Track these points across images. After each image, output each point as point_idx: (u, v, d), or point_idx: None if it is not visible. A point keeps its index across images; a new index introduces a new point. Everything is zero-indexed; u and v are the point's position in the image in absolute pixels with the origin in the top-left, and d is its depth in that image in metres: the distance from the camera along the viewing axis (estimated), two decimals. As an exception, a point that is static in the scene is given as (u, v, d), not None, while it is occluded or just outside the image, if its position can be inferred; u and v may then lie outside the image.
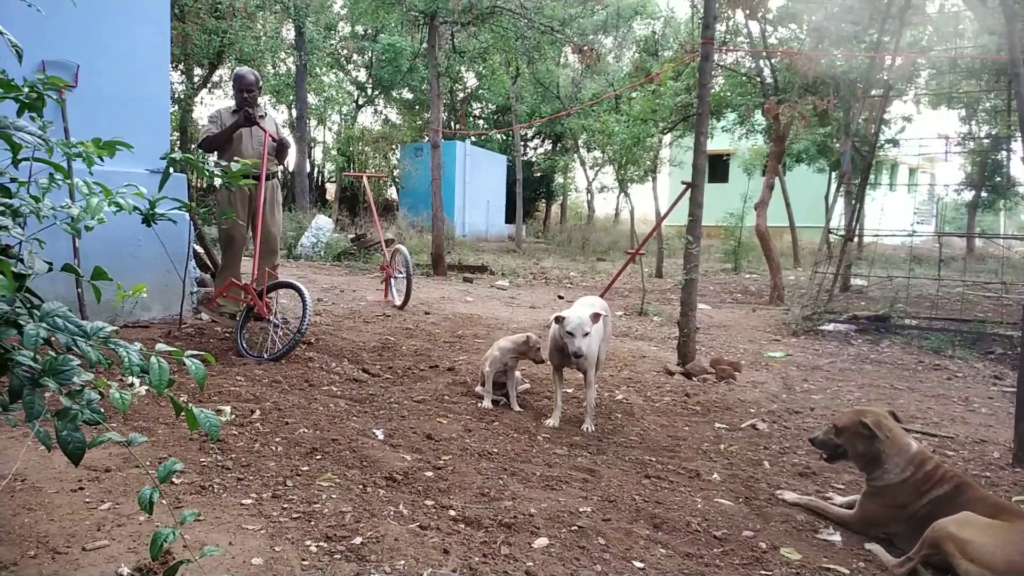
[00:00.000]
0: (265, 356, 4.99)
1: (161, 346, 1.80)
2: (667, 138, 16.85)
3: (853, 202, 10.67)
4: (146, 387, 3.77)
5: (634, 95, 14.73)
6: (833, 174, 16.96)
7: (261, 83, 6.26)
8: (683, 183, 6.12)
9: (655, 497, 3.21)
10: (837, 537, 2.94)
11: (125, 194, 2.09)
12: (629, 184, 16.82)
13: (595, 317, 4.10)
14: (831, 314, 8.82)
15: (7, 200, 1.95)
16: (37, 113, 2.03)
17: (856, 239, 13.34)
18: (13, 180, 1.98)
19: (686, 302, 5.89)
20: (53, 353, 1.85)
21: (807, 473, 3.71)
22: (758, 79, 11.84)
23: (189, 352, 1.79)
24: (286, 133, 6.32)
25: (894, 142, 16.80)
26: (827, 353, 7.10)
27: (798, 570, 2.62)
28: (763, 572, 2.59)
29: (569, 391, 4.94)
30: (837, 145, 14.30)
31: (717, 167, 25.57)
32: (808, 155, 17.78)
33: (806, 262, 16.13)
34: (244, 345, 5.11)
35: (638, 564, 2.57)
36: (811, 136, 15.16)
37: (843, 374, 6.18)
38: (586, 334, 4.03)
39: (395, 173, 24.51)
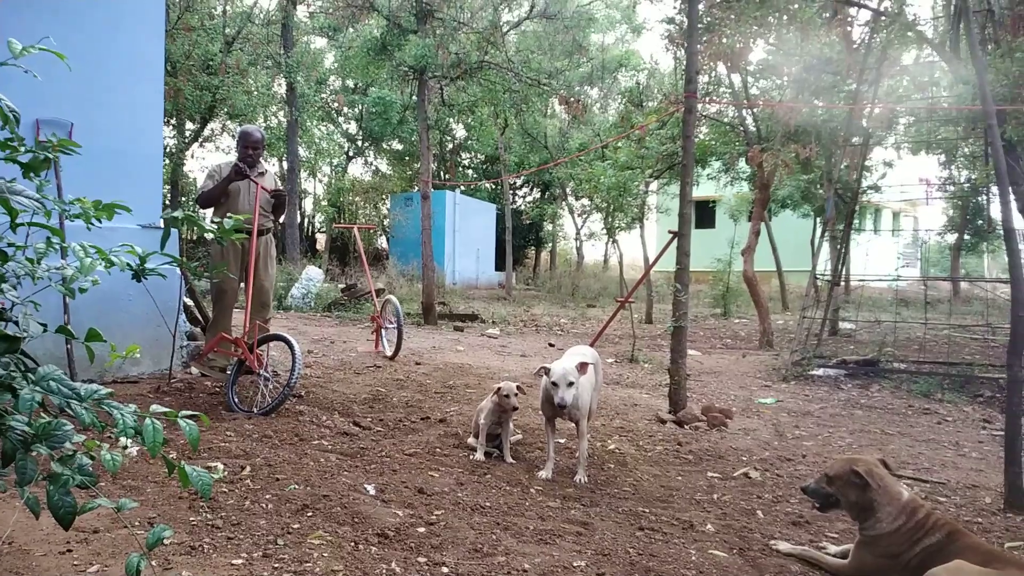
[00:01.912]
0: (255, 411, 4.97)
1: (156, 407, 1.81)
2: (653, 185, 17.11)
3: (839, 247, 10.82)
4: (137, 447, 3.75)
5: (620, 145, 14.99)
6: (818, 219, 17.20)
7: (266, 141, 6.37)
8: (670, 232, 6.21)
9: (649, 550, 3.19)
10: (832, 588, 2.93)
11: (119, 252, 2.12)
12: (617, 231, 17.01)
13: (582, 367, 4.12)
14: (820, 359, 8.87)
15: (2, 266, 1.98)
16: (36, 174, 2.07)
17: (843, 283, 13.48)
18: (11, 245, 2.01)
19: (676, 349, 5.92)
20: (45, 415, 1.86)
21: (800, 522, 3.70)
22: (741, 128, 12.11)
23: (184, 413, 1.81)
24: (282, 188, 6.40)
25: (876, 188, 17.10)
26: (817, 398, 7.12)
27: (794, 623, 2.61)
28: (759, 626, 2.57)
29: (561, 441, 4.92)
30: (820, 191, 14.54)
31: (704, 213, 25.90)
32: (792, 201, 18.05)
33: (794, 306, 16.25)
34: (235, 400, 5.09)
35: (633, 619, 2.54)
36: (795, 182, 15.42)
37: (834, 420, 6.20)
38: (570, 384, 4.05)
39: (385, 223, 24.67)
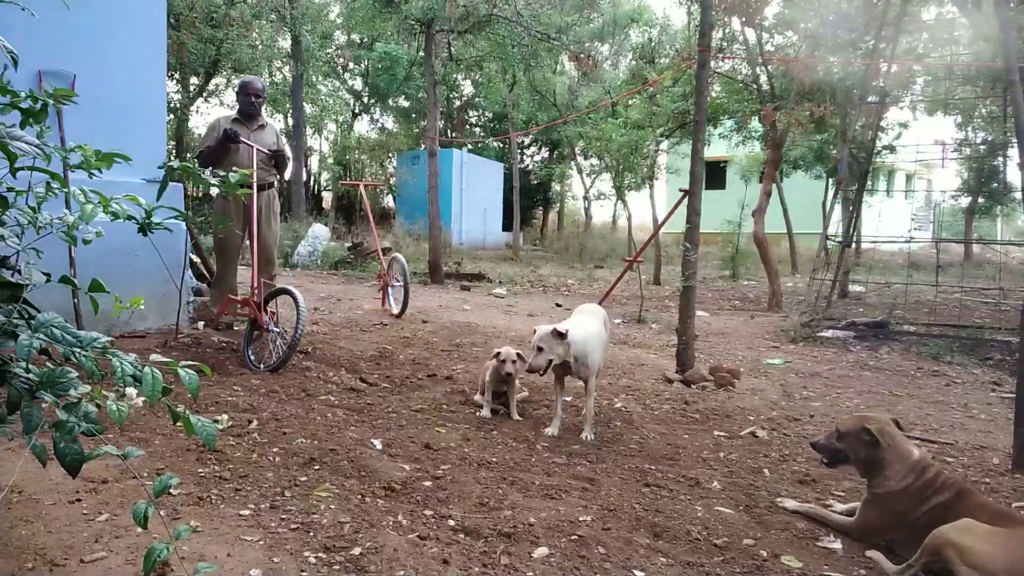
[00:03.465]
0: (262, 367, 4.97)
1: (155, 357, 1.79)
2: (664, 145, 16.90)
3: (851, 208, 10.69)
4: (143, 398, 3.75)
5: (631, 102, 14.77)
6: (830, 180, 17.02)
7: (266, 92, 6.30)
8: (680, 190, 6.12)
9: (655, 506, 3.20)
10: (838, 545, 2.92)
11: (121, 201, 2.08)
12: (626, 191, 16.85)
13: (556, 333, 4.08)
14: (829, 321, 8.82)
15: (3, 211, 1.95)
16: (36, 122, 2.02)
17: (854, 245, 13.36)
18: (11, 190, 1.97)
19: (684, 309, 5.88)
20: (50, 364, 1.84)
21: (807, 480, 3.69)
22: (755, 86, 11.89)
23: (183, 363, 1.78)
24: (285, 142, 6.32)
25: (891, 148, 16.86)
26: (826, 360, 7.10)
27: (799, 579, 2.61)
28: (764, 581, 2.58)
29: (568, 399, 4.92)
30: (834, 152, 14.35)
31: (714, 174, 25.63)
32: (805, 161, 17.84)
33: (804, 269, 16.15)
34: (251, 358, 5.09)
35: (638, 573, 2.55)
36: (808, 143, 15.23)
37: (842, 381, 6.18)
38: (540, 349, 4.07)
39: (392, 181, 24.53)
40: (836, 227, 11.72)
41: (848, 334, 8.24)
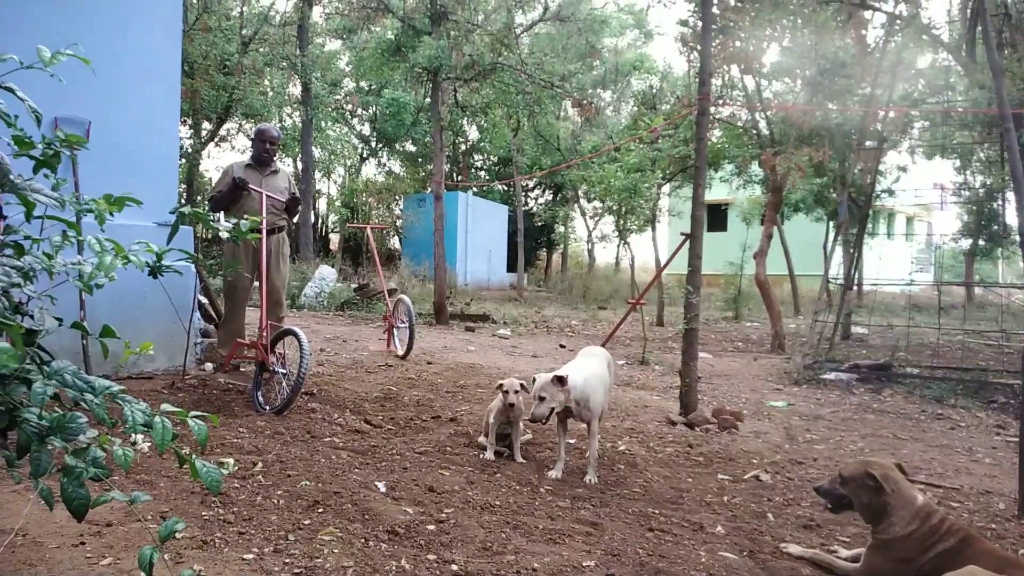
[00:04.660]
0: (267, 408, 4.99)
1: (166, 406, 1.83)
2: (666, 188, 17.07)
3: (851, 251, 10.76)
4: (148, 443, 3.77)
5: (632, 147, 14.97)
6: (831, 223, 17.12)
7: (281, 140, 6.46)
8: (682, 234, 6.20)
9: (659, 551, 3.19)
10: (843, 591, 2.91)
11: (137, 251, 2.14)
12: (629, 234, 16.97)
13: (557, 380, 4.10)
14: (832, 363, 8.82)
15: (18, 261, 2.00)
16: (51, 170, 2.09)
17: (855, 287, 13.40)
18: (27, 238, 2.03)
19: (687, 352, 5.90)
20: (60, 409, 1.87)
21: (811, 526, 3.68)
22: (754, 131, 12.06)
23: (193, 413, 1.82)
24: (295, 186, 6.45)
25: (890, 192, 16.99)
26: (829, 402, 7.08)
27: (804, 626, 2.59)
28: (769, 628, 2.56)
29: (572, 441, 4.92)
30: (834, 195, 14.47)
31: (716, 216, 25.82)
32: (805, 204, 17.96)
33: (806, 310, 16.15)
34: (260, 400, 5.11)
35: (642, 620, 2.54)
36: (808, 186, 15.34)
37: (846, 424, 6.16)
38: (542, 399, 4.07)
39: (398, 223, 24.74)
40: (837, 269, 11.78)
41: (851, 376, 8.23)
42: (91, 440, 1.85)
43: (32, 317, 2.02)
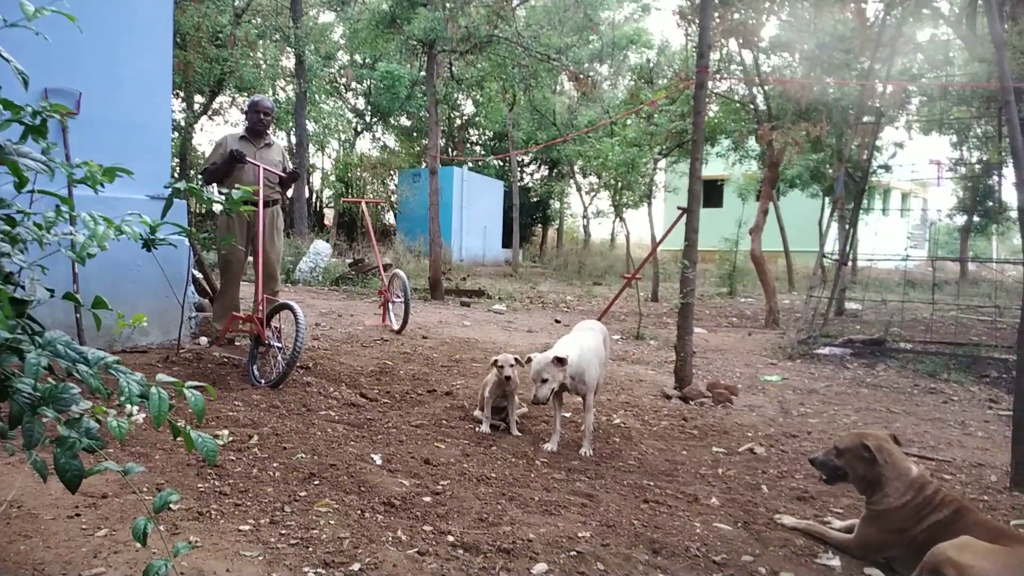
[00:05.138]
0: (263, 382, 4.98)
1: (162, 376, 1.81)
2: (662, 163, 16.99)
3: (847, 227, 10.75)
4: (144, 415, 3.76)
5: (628, 122, 14.87)
6: (827, 199, 17.09)
7: (275, 111, 6.41)
8: (678, 208, 6.17)
9: (654, 522, 3.21)
10: (836, 562, 2.93)
11: (130, 222, 2.11)
12: (625, 209, 16.91)
13: (557, 361, 4.10)
14: (826, 338, 8.85)
15: (9, 229, 1.97)
16: (40, 136, 2.05)
17: (850, 263, 13.41)
18: (20, 211, 2.00)
19: (683, 326, 5.91)
20: (53, 380, 1.86)
21: (805, 497, 3.70)
22: (751, 106, 11.98)
23: (189, 383, 1.80)
24: (288, 160, 6.40)
25: (886, 167, 16.96)
26: (823, 377, 7.11)
27: (797, 595, 2.62)
28: (762, 597, 2.58)
29: (567, 415, 4.93)
30: (830, 171, 14.43)
31: (712, 192, 25.77)
32: (801, 180, 17.92)
33: (801, 286, 16.19)
34: (256, 374, 5.10)
35: (637, 590, 2.55)
36: (804, 162, 15.30)
37: (839, 398, 6.19)
38: (544, 380, 4.08)
39: (393, 199, 24.62)
40: (832, 245, 11.77)
41: (845, 351, 8.27)
42: (85, 411, 1.83)
43: (23, 288, 2.00)
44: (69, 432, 1.75)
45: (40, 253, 2.09)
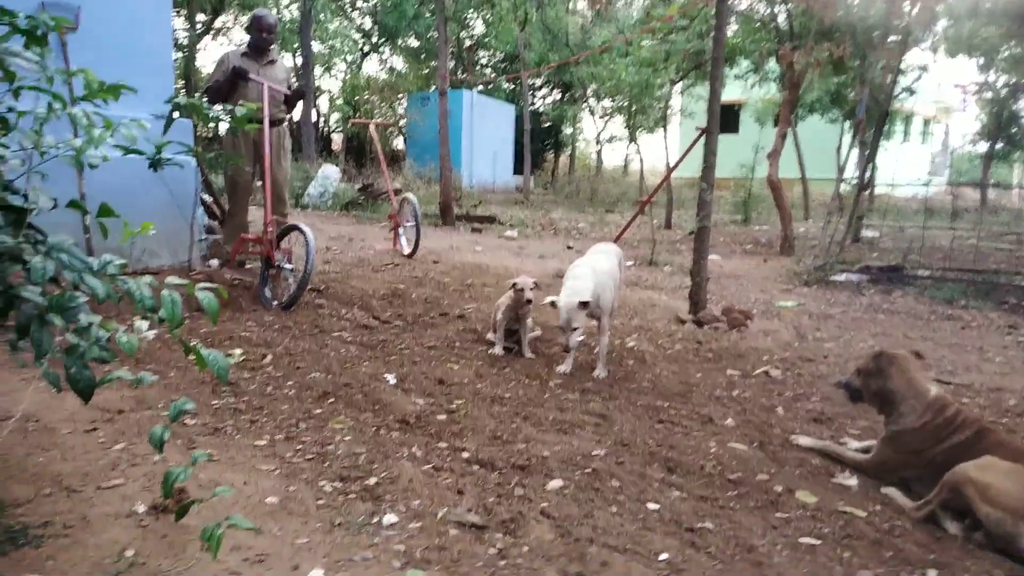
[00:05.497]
0: (275, 304, 4.96)
1: (172, 279, 1.76)
2: (678, 87, 16.53)
3: (867, 152, 10.48)
4: (154, 331, 3.75)
5: (644, 43, 14.38)
6: (846, 124, 16.68)
7: (278, 27, 6.19)
8: (697, 128, 6.00)
9: (668, 441, 3.20)
10: (853, 481, 2.92)
11: (129, 125, 2.02)
12: (639, 133, 16.54)
13: (582, 305, 4.01)
14: (843, 264, 8.73)
15: (4, 133, 1.89)
16: (37, 44, 1.95)
17: (868, 190, 13.14)
18: (11, 110, 1.91)
19: (698, 250, 5.81)
20: (59, 292, 1.81)
21: (821, 419, 3.68)
22: (773, 25, 11.54)
23: (200, 285, 1.75)
24: (293, 78, 6.21)
25: (910, 91, 16.44)
26: (839, 303, 7.04)
27: (814, 513, 2.61)
28: (779, 514, 2.58)
29: (581, 337, 4.89)
30: (852, 94, 14.00)
31: (728, 118, 25.06)
32: (821, 104, 17.44)
33: (817, 214, 15.96)
34: (268, 295, 5.07)
35: (652, 506, 2.55)
36: (825, 85, 14.85)
37: (856, 323, 6.13)
38: (574, 329, 4.01)
39: (401, 123, 24.20)
40: (852, 171, 11.52)
41: (861, 278, 8.16)
42: (93, 322, 1.79)
43: (25, 196, 1.93)
44: (78, 339, 1.70)
45: (40, 162, 2.02)
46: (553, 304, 4.07)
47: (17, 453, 2.45)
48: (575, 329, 4.01)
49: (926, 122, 29.41)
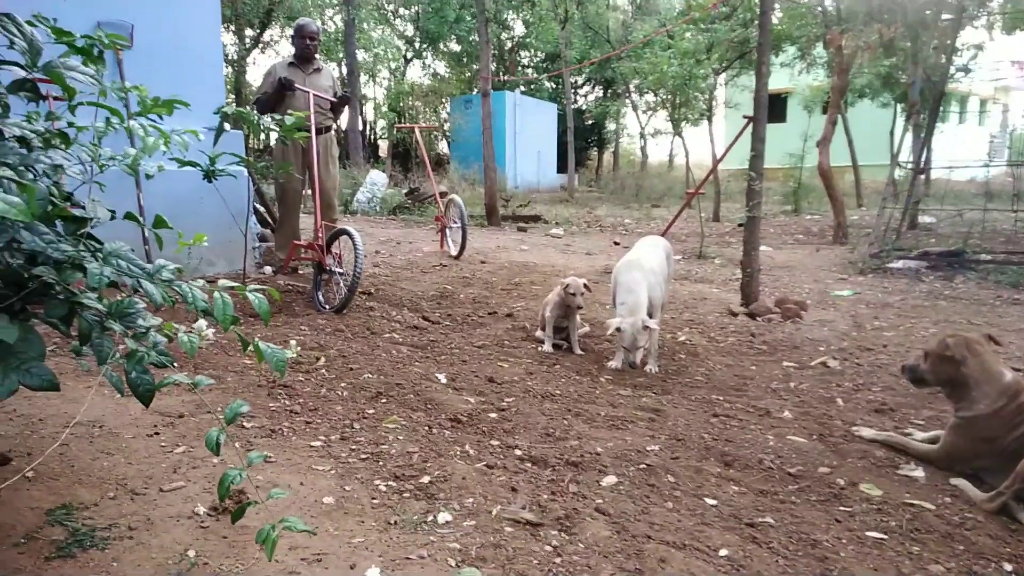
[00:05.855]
0: (327, 308, 5.03)
1: (224, 282, 1.79)
2: (722, 78, 16.26)
3: (922, 135, 10.14)
4: (212, 330, 3.83)
5: (687, 34, 14.18)
6: (899, 107, 16.17)
7: (321, 35, 6.29)
8: (744, 117, 5.88)
9: (724, 435, 3.14)
10: (920, 473, 2.82)
11: (181, 134, 2.07)
12: (683, 124, 16.30)
13: (647, 329, 3.98)
14: (900, 251, 8.47)
15: (66, 148, 1.95)
16: (92, 62, 2.01)
17: (924, 175, 12.71)
18: (71, 125, 1.97)
19: (749, 241, 5.70)
20: (119, 298, 1.86)
21: (883, 410, 3.57)
22: (819, 9, 11.27)
23: (252, 286, 1.78)
24: (338, 85, 6.30)
25: (966, 69, 15.84)
26: (897, 291, 6.82)
27: (879, 506, 2.53)
28: (843, 508, 2.50)
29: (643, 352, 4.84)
30: (904, 77, 13.57)
31: (775, 106, 24.55)
32: (872, 89, 16.94)
33: (870, 201, 15.52)
34: (321, 299, 5.15)
35: (710, 501, 2.51)
36: (875, 68, 14.43)
37: (916, 311, 5.93)
38: (639, 348, 3.99)
39: (445, 127, 24.35)
40: (906, 155, 11.16)
41: (920, 264, 7.90)
42: (152, 327, 1.83)
43: (83, 208, 1.99)
44: (137, 345, 1.75)
45: (99, 174, 2.08)
46: (618, 330, 4.03)
47: (83, 458, 2.53)
48: (639, 348, 3.99)
49: (983, 102, 28.36)
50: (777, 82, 18.03)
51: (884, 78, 15.81)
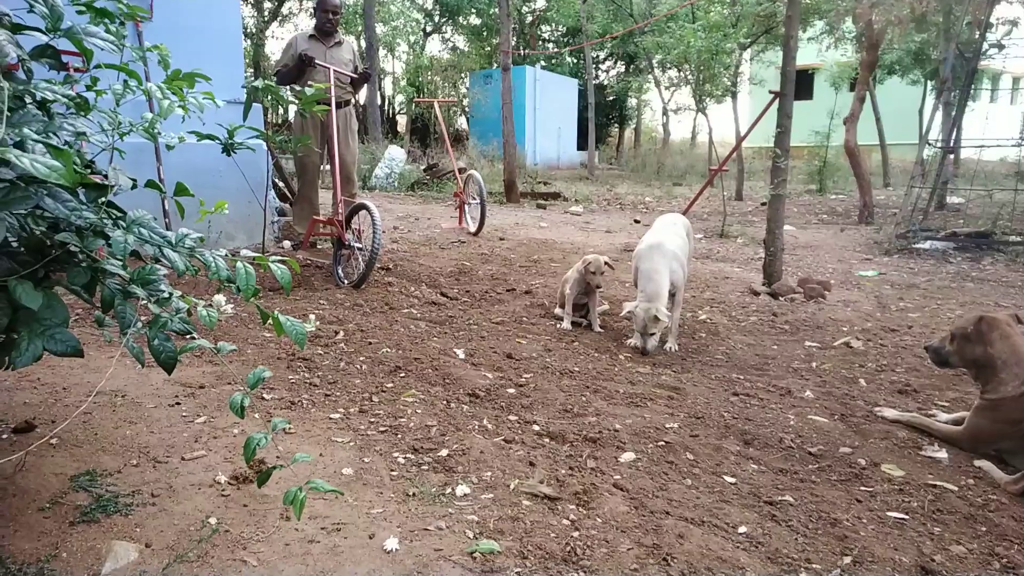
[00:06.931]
0: (346, 282, 5.04)
1: (246, 251, 1.79)
2: (747, 53, 16.00)
3: (952, 113, 9.93)
4: (232, 305, 3.84)
5: (713, 7, 13.94)
6: (929, 85, 15.84)
7: (343, 8, 6.24)
8: (770, 92, 5.78)
9: (744, 414, 3.11)
10: (943, 454, 2.78)
11: (197, 95, 2.06)
12: (707, 100, 16.07)
13: (655, 318, 3.94)
14: (926, 232, 8.34)
15: (86, 113, 1.95)
16: (111, 20, 2.00)
17: (953, 154, 12.47)
18: (89, 88, 1.97)
19: (772, 219, 5.62)
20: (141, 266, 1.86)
21: (907, 391, 3.52)
22: (849, -18, 11.01)
23: (274, 257, 1.77)
24: (359, 59, 6.26)
25: (1000, 45, 15.44)
26: (923, 272, 6.72)
27: (901, 486, 2.50)
28: (864, 488, 2.47)
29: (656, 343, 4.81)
30: (935, 53, 13.27)
31: (801, 83, 24.08)
32: (901, 66, 16.60)
33: (897, 181, 15.29)
34: (340, 274, 5.17)
35: (729, 479, 2.49)
36: (906, 44, 14.13)
37: (942, 292, 5.84)
38: (652, 334, 3.97)
39: (464, 102, 24.21)
40: (935, 134, 10.94)
41: (948, 245, 7.78)
42: (175, 293, 1.84)
43: (105, 176, 1.99)
44: (159, 310, 1.75)
45: (124, 154, 2.09)
46: (629, 317, 4.02)
47: (106, 426, 2.55)
48: (652, 334, 3.96)
49: (1015, 80, 27.72)
50: (804, 58, 17.70)
51: (915, 54, 15.48)
